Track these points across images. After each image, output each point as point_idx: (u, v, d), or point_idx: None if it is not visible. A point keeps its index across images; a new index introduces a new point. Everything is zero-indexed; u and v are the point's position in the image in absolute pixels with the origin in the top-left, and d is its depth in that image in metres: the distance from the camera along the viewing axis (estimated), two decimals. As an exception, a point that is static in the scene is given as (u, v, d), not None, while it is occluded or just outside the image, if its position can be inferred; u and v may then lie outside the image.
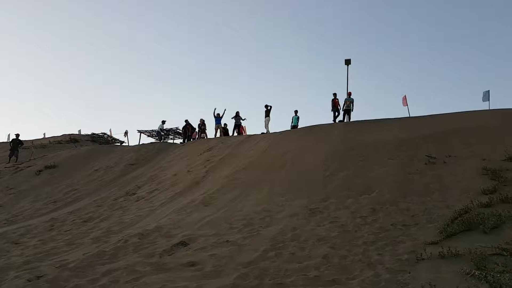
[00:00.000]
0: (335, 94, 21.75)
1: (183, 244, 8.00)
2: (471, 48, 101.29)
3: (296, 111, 23.75)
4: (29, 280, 6.43)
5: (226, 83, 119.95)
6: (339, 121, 21.01)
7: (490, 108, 17.60)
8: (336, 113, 21.57)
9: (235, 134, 24.87)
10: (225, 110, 25.18)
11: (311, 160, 13.33)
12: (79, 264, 7.15)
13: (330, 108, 21.76)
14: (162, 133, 29.61)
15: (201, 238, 8.29)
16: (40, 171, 20.37)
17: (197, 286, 5.87)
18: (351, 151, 13.25)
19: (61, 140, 35.44)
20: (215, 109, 25.47)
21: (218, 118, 25.56)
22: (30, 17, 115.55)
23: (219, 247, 7.59)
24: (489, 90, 19.04)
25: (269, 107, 24.02)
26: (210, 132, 26.45)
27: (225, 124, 25.93)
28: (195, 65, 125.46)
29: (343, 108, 21.44)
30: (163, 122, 28.94)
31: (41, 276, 6.61)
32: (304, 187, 11.13)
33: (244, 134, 24.72)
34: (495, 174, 9.28)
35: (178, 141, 30.29)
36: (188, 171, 16.19)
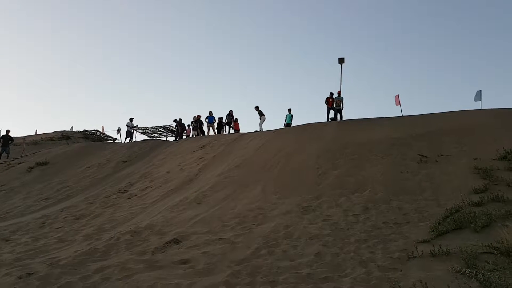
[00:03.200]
0: (331, 94, 21.84)
1: (176, 241, 7.98)
2: (464, 48, 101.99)
3: (289, 110, 23.83)
4: (20, 277, 6.38)
5: (220, 82, 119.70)
6: (331, 119, 21.07)
7: (482, 108, 17.74)
8: (329, 112, 21.66)
9: (232, 131, 24.95)
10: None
11: (304, 159, 13.36)
12: (71, 262, 7.11)
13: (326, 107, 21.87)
14: (131, 131, 28.47)
15: (194, 235, 8.28)
16: (31, 168, 20.21)
17: (189, 284, 5.86)
18: (344, 149, 13.30)
19: (53, 137, 35.22)
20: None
21: (210, 117, 25.60)
22: (24, 15, 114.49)
23: (212, 245, 7.58)
24: (481, 90, 19.19)
25: (259, 110, 24.16)
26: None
27: (220, 118, 25.72)
28: (188, 64, 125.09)
29: (333, 107, 21.59)
30: (131, 119, 28.37)
31: (32, 274, 6.56)
32: (297, 185, 11.15)
33: (238, 130, 24.77)
34: (487, 173, 9.36)
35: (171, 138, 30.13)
36: (181, 168, 16.16)
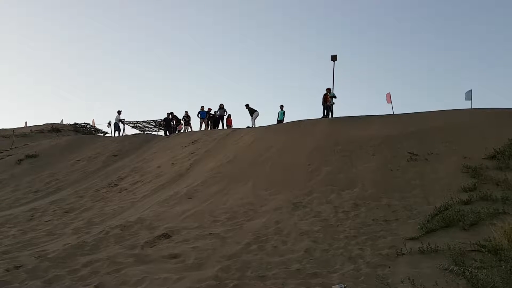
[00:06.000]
0: (328, 90, 21.68)
1: (166, 236, 7.97)
2: (456, 47, 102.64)
3: (281, 106, 23.82)
4: (7, 270, 6.33)
5: (211, 78, 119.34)
6: (323, 117, 21.07)
7: (472, 107, 17.87)
8: (325, 110, 21.57)
9: (220, 127, 24.81)
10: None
11: (296, 155, 13.38)
12: (59, 255, 7.07)
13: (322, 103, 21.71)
14: (118, 124, 28.00)
15: (184, 230, 8.27)
16: (20, 160, 20.01)
17: (178, 278, 5.85)
18: (335, 146, 13.34)
19: (43, 130, 34.82)
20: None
21: (203, 112, 25.41)
22: (12, 9, 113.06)
23: (202, 240, 7.58)
24: (471, 89, 19.34)
25: (249, 107, 24.06)
26: (195, 125, 26.31)
27: (215, 112, 25.48)
28: (180, 60, 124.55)
29: (326, 104, 21.52)
30: (119, 112, 27.84)
31: (20, 266, 6.52)
32: (288, 182, 11.17)
33: (231, 126, 24.68)
34: (476, 172, 9.43)
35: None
36: (172, 163, 16.12)
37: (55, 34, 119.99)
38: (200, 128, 25.39)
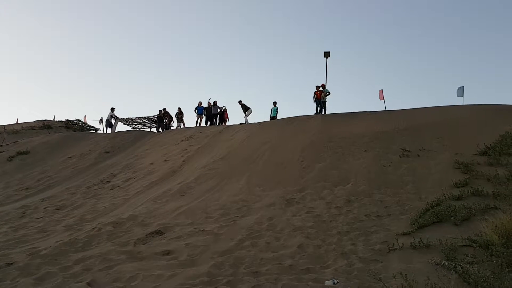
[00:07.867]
0: (317, 87, 21.80)
1: (159, 233, 7.94)
2: (447, 43, 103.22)
3: (274, 103, 23.81)
4: (-2, 268, 6.28)
5: (204, 74, 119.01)
6: (316, 113, 21.12)
7: (464, 103, 17.99)
8: (318, 106, 21.62)
9: (213, 123, 24.73)
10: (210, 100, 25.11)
11: (289, 151, 13.40)
12: (51, 252, 7.03)
13: (313, 100, 21.80)
14: (110, 120, 27.88)
15: (177, 227, 8.25)
16: (12, 157, 19.83)
17: (171, 275, 5.84)
18: (328, 143, 13.37)
19: (34, 126, 34.55)
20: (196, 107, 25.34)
21: (200, 107, 25.28)
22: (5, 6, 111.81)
23: (195, 236, 7.57)
24: (463, 86, 19.49)
25: (242, 103, 24.11)
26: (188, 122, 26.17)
27: (210, 105, 25.34)
28: (172, 56, 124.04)
29: (319, 100, 21.55)
30: (112, 109, 27.79)
31: (11, 264, 6.47)
32: (281, 178, 11.19)
33: (227, 120, 24.68)
34: (467, 168, 9.51)
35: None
36: (165, 160, 16.06)
37: (46, 31, 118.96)
38: (196, 123, 25.26)
